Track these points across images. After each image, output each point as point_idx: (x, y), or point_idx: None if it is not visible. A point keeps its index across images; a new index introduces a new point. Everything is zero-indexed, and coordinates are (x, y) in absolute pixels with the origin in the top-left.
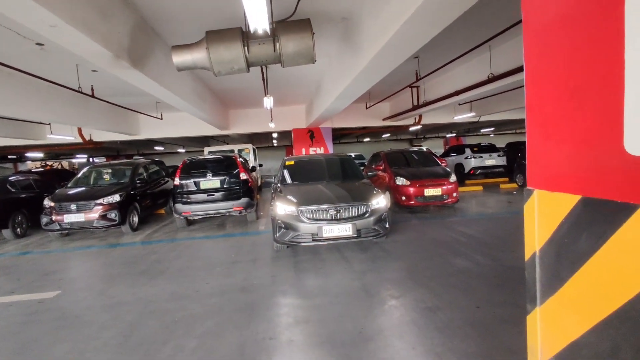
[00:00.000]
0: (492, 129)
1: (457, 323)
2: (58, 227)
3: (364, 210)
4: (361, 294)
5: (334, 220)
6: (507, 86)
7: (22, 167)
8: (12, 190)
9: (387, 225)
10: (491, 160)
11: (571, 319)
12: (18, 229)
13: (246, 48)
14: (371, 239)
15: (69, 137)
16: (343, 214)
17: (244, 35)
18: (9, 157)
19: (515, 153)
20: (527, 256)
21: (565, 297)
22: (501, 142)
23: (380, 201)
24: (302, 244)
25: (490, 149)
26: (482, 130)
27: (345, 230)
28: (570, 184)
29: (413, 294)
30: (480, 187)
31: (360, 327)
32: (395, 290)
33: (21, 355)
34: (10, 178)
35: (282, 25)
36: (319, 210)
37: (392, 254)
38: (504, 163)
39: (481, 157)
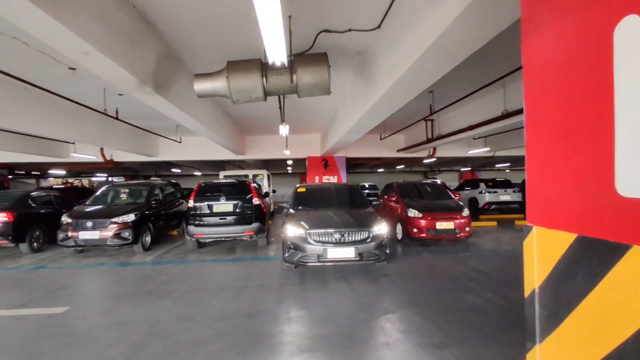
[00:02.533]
0: (508, 164)
1: None
2: (73, 244)
3: (366, 236)
4: (367, 326)
5: (339, 243)
6: (522, 123)
7: (44, 183)
8: (33, 205)
9: (387, 251)
10: (506, 195)
11: (570, 358)
12: (35, 244)
13: (264, 78)
14: (372, 262)
15: (91, 156)
16: (347, 238)
17: (263, 66)
18: (33, 173)
19: None
20: (526, 293)
21: (563, 336)
22: (517, 178)
23: (382, 228)
24: (309, 264)
25: (506, 184)
26: (497, 165)
27: (348, 253)
28: (567, 222)
29: (420, 329)
30: (495, 223)
31: None
32: (401, 324)
33: None
34: (32, 193)
35: (299, 58)
36: (325, 234)
37: (400, 287)
38: (520, 199)
39: (496, 192)
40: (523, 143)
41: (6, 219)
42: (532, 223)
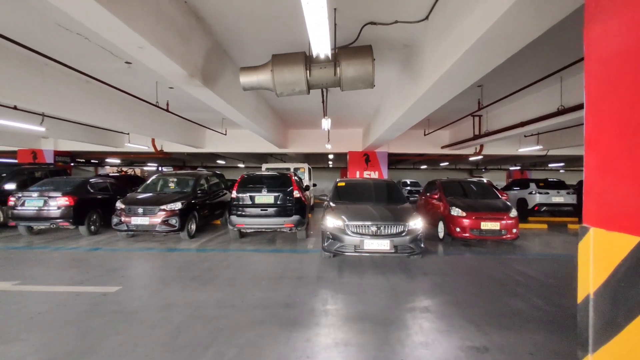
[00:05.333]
0: (562, 164)
1: None
2: (126, 228)
3: (402, 229)
4: (404, 323)
5: (375, 235)
6: (580, 120)
7: (101, 171)
8: (91, 191)
9: (422, 245)
10: (559, 197)
11: None
12: (92, 227)
13: (308, 71)
14: (407, 255)
15: (144, 146)
16: (383, 230)
17: (307, 59)
18: (92, 161)
19: None
20: (579, 298)
21: (621, 347)
22: (572, 179)
23: (417, 223)
24: (346, 253)
25: (559, 185)
26: (550, 165)
27: (383, 245)
28: (630, 223)
29: (460, 330)
30: (545, 226)
31: (400, 358)
32: (441, 324)
33: (81, 340)
34: (90, 180)
35: (344, 50)
36: (363, 226)
37: (440, 287)
38: (574, 202)
39: (547, 193)
40: (580, 141)
41: (67, 203)
42: (589, 224)
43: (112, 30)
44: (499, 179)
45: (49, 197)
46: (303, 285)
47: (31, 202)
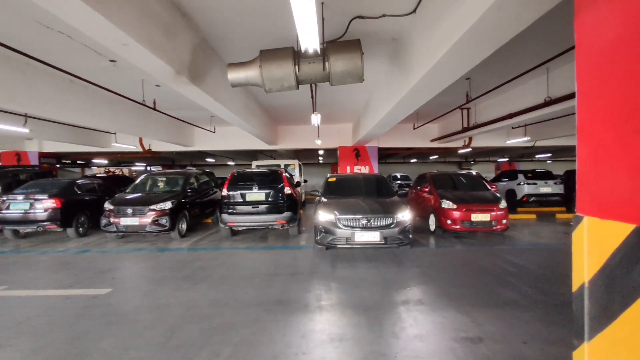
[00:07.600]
0: (549, 155)
1: (500, 357)
2: (115, 229)
3: (391, 222)
4: (399, 317)
5: (365, 228)
6: (566, 110)
7: (88, 172)
8: (78, 192)
9: (410, 236)
10: (547, 187)
11: (622, 358)
12: (80, 229)
13: (297, 67)
14: (396, 246)
15: (131, 146)
16: (373, 223)
17: (295, 55)
18: (78, 162)
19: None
20: (574, 287)
21: (616, 334)
22: (559, 169)
23: (405, 215)
24: (338, 246)
25: (546, 175)
26: (537, 156)
27: (374, 237)
28: (624, 212)
29: (453, 321)
30: (534, 216)
31: (395, 351)
32: (435, 315)
33: (72, 345)
34: (77, 181)
35: (332, 45)
36: (353, 219)
37: (433, 279)
38: (561, 191)
39: (535, 184)
40: (567, 132)
41: (54, 205)
42: (582, 213)
43: (95, 27)
44: (487, 171)
45: (35, 199)
46: (296, 281)
47: (16, 205)
